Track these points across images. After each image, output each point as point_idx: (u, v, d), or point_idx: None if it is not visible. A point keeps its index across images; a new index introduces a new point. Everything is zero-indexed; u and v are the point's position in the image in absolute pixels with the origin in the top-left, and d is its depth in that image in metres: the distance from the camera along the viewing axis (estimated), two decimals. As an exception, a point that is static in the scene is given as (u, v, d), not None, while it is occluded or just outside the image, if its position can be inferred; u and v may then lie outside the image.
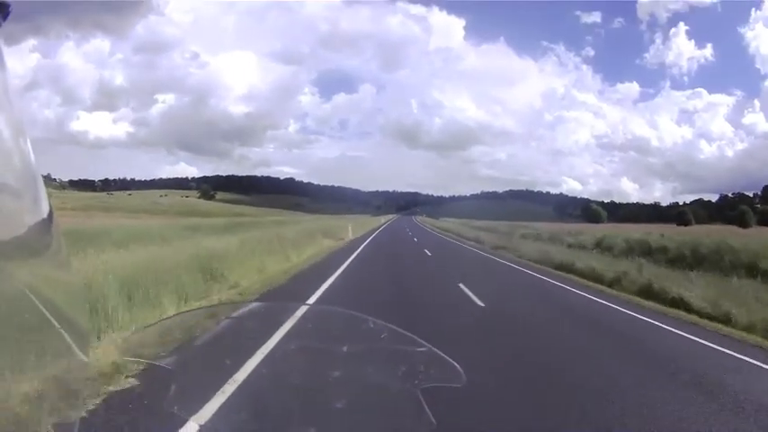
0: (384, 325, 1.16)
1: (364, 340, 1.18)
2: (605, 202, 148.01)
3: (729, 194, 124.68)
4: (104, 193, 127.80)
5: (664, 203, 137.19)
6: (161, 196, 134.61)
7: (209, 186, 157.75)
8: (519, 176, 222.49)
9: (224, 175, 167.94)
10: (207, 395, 1.49)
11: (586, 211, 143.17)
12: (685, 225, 74.20)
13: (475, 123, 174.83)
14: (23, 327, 0.82)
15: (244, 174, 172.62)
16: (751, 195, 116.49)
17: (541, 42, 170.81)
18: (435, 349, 1.12)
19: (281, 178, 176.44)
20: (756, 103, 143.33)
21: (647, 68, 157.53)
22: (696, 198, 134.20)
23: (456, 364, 1.09)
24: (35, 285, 0.82)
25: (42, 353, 0.87)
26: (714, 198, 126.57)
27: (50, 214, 0.82)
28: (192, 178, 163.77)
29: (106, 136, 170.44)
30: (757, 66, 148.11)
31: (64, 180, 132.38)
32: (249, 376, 1.60)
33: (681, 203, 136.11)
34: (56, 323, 0.83)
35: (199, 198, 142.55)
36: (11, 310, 0.79)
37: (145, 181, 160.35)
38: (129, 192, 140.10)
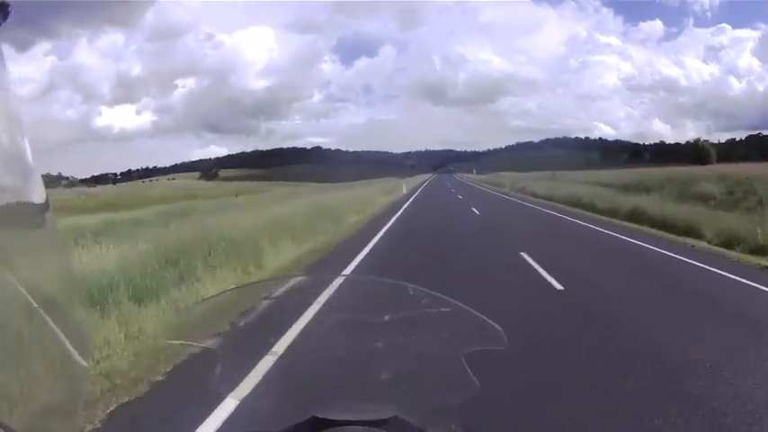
0: (425, 291, 1.13)
1: (405, 308, 1.14)
2: (648, 144, 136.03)
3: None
4: (85, 187, 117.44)
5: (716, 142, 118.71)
6: (142, 182, 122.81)
7: (213, 164, 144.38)
8: (550, 125, 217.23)
9: (248, 151, 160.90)
10: (246, 373, 1.40)
11: (635, 155, 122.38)
12: None
13: (500, 74, 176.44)
14: (21, 331, 0.79)
15: (269, 148, 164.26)
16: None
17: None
18: (477, 313, 1.07)
19: (308, 148, 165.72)
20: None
21: (668, 7, 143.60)
22: (754, 133, 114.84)
23: (498, 326, 1.05)
24: (34, 282, 0.79)
25: (41, 358, 0.84)
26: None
27: (47, 207, 0.81)
28: (216, 158, 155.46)
29: (131, 127, 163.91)
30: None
31: (76, 177, 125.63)
32: (288, 351, 1.37)
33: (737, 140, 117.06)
34: (53, 325, 0.79)
35: (199, 179, 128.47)
36: (9, 309, 0.76)
37: (166, 167, 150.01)
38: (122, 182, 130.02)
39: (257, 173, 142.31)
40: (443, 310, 1.11)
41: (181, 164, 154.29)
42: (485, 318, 1.06)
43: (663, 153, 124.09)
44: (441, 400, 1.10)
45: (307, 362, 1.28)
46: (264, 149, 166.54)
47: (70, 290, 0.95)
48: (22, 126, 0.76)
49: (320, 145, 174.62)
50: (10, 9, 0.78)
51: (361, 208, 20.16)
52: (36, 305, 0.77)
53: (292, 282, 1.36)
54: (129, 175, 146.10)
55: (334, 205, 18.28)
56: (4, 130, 0.72)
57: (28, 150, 0.76)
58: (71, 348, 0.83)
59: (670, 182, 23.69)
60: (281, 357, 1.37)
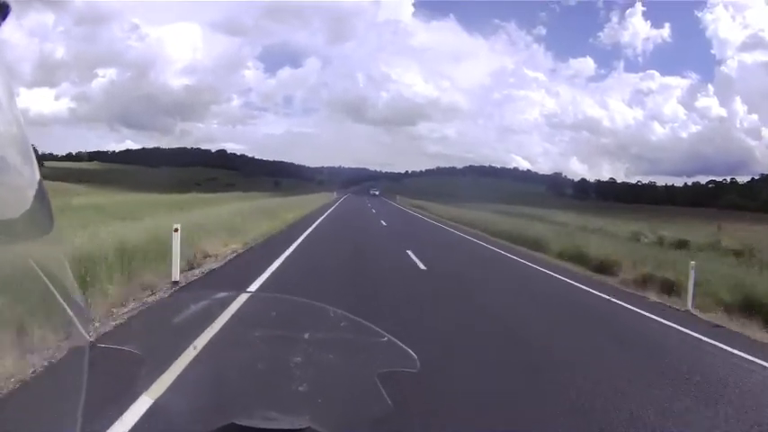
0: (344, 315, 1.17)
1: (324, 328, 1.18)
2: (592, 181, 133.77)
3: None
4: None
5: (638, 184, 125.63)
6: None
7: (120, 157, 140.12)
8: (466, 153, 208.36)
9: (149, 147, 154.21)
10: (169, 378, 1.39)
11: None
12: None
13: (423, 99, 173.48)
14: (29, 304, 0.91)
15: (171, 147, 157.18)
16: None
17: (492, 20, 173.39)
18: (393, 338, 1.11)
19: (213, 151, 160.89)
20: (710, 87, 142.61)
21: (600, 48, 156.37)
22: (732, 178, 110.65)
23: (412, 351, 1.10)
24: (38, 261, 0.82)
25: (47, 330, 1.12)
26: (745, 179, 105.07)
27: (41, 185, 0.81)
28: (98, 152, 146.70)
29: (48, 113, 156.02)
30: (713, 51, 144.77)
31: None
32: (210, 359, 1.43)
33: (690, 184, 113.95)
34: (61, 300, 0.83)
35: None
36: (16, 286, 0.90)
37: (64, 156, 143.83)
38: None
39: (119, 169, 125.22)
40: (361, 333, 1.13)
41: (78, 153, 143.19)
42: (400, 343, 1.10)
43: (607, 192, 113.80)
44: (353, 415, 1.13)
45: (228, 371, 1.30)
46: (164, 148, 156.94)
47: (66, 267, 0.95)
48: (16, 102, 0.76)
49: (226, 149, 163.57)
50: (10, 9, 0.78)
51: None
52: (48, 282, 0.78)
53: (211, 298, 1.32)
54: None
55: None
56: (3, 122, 0.72)
57: (23, 124, 0.77)
58: (78, 323, 0.85)
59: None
60: (203, 364, 1.34)
